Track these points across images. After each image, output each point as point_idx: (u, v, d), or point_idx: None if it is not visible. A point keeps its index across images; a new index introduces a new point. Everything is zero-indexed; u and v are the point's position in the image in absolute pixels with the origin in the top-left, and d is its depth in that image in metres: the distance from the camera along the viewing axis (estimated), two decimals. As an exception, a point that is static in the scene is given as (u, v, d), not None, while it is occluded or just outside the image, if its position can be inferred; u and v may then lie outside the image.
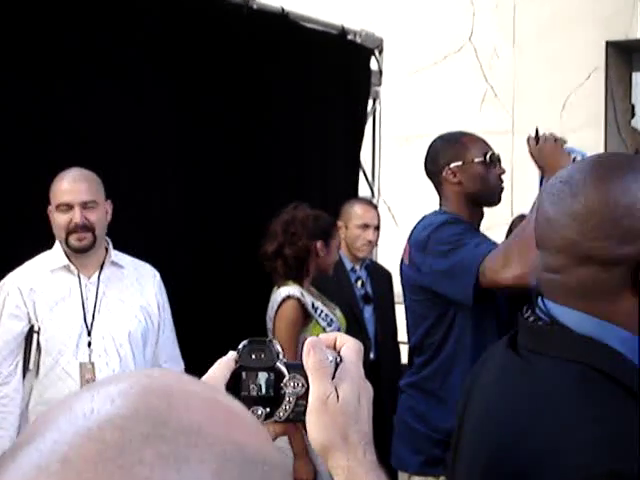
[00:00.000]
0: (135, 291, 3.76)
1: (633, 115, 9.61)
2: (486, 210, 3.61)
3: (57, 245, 3.68)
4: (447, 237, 3.35)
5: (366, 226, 5.20)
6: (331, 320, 4.34)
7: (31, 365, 3.53)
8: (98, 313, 3.61)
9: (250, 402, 1.08)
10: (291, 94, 5.46)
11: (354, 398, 1.10)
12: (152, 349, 3.81)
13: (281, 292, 4.34)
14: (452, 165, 3.48)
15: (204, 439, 0.58)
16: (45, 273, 3.60)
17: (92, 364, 3.58)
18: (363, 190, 6.39)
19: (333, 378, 1.11)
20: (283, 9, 5.45)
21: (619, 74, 9.02)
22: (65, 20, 4.21)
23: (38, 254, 3.71)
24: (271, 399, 1.09)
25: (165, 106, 4.71)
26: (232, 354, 1.10)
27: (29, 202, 3.92)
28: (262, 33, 5.28)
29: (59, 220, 3.58)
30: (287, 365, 1.10)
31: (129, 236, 3.98)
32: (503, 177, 3.54)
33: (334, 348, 1.15)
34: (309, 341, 1.09)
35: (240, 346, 1.10)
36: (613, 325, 1.40)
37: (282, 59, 5.39)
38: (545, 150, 3.27)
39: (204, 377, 1.08)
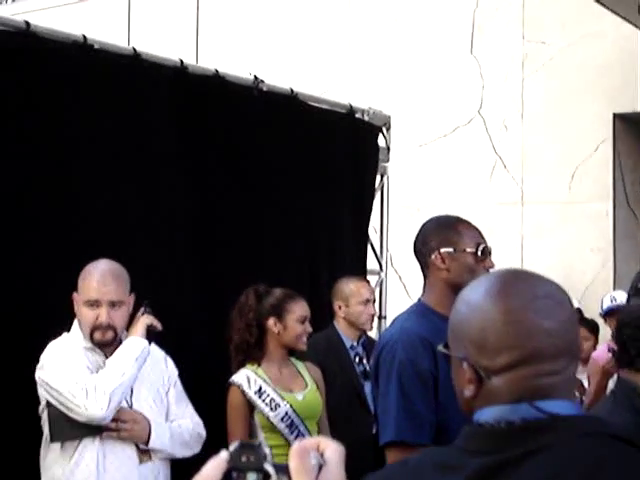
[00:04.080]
0: (151, 370, 3.90)
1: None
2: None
3: (76, 327, 3.79)
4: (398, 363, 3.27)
5: (367, 301, 5.40)
6: (276, 405, 4.38)
7: None
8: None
9: None
10: (300, 172, 5.58)
11: None
12: (168, 416, 3.97)
13: (232, 377, 4.45)
14: (442, 250, 3.33)
15: None
16: (80, 350, 3.72)
17: None
18: (371, 264, 6.48)
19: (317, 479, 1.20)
20: (292, 90, 5.59)
21: (627, 146, 9.13)
22: (74, 95, 4.35)
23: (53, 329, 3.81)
24: None
25: (175, 186, 4.82)
26: (224, 454, 1.20)
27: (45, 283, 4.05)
28: (272, 113, 5.42)
29: (86, 315, 3.71)
30: (275, 466, 1.19)
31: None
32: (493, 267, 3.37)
33: (317, 450, 1.24)
34: (293, 447, 1.18)
35: (231, 448, 1.19)
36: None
37: (291, 138, 5.52)
38: None
39: (198, 475, 1.17)
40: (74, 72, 4.34)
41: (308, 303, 4.76)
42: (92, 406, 3.51)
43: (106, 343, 3.75)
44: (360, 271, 6.14)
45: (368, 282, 5.61)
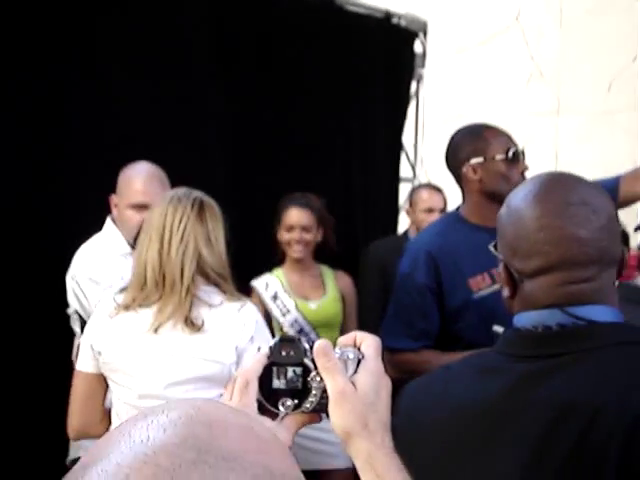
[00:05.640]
0: None
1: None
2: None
3: (112, 230, 3.75)
4: (400, 274, 3.45)
5: (430, 210, 5.32)
6: (287, 311, 4.52)
7: None
8: None
9: (280, 394, 1.21)
10: (334, 78, 5.53)
11: (372, 390, 1.22)
12: None
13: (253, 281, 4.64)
14: (472, 161, 3.29)
15: (240, 464, 0.70)
16: (116, 259, 3.67)
17: None
18: (405, 171, 6.48)
19: (355, 372, 1.23)
20: (329, -6, 5.53)
21: (666, 56, 8.99)
22: (131, 21, 4.37)
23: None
24: (299, 391, 1.21)
25: (211, 95, 4.82)
26: (265, 350, 1.23)
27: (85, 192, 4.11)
28: (308, 18, 5.37)
29: (131, 218, 3.63)
30: (314, 361, 1.22)
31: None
32: (527, 172, 3.35)
33: (354, 345, 1.26)
34: (316, 346, 1.21)
35: (272, 344, 1.22)
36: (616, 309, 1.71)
37: (327, 44, 5.47)
38: None
39: (240, 369, 1.21)
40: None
41: (342, 210, 4.73)
42: None
43: None
44: (393, 178, 6.13)
45: (440, 191, 5.49)
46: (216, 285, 2.89)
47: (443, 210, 5.36)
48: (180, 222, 2.87)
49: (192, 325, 2.81)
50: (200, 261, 2.86)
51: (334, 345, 1.24)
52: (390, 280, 5.11)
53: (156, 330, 2.83)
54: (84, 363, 2.95)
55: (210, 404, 0.78)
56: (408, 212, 5.49)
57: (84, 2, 4.22)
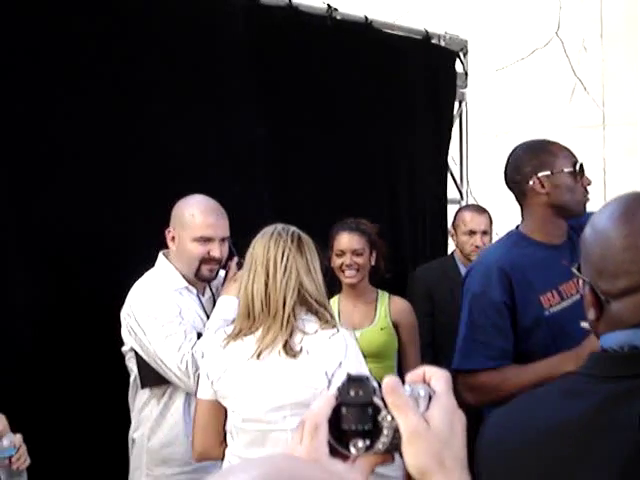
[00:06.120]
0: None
1: None
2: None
3: (166, 266, 3.73)
4: (471, 294, 3.33)
5: (472, 232, 5.24)
6: None
7: None
8: None
9: (351, 435, 1.15)
10: (376, 101, 5.51)
11: (446, 425, 1.16)
12: None
13: None
14: (540, 174, 3.27)
15: None
16: (170, 295, 3.66)
17: None
18: (452, 192, 6.42)
19: (428, 409, 1.17)
20: (366, 17, 5.50)
21: None
22: (145, 31, 4.35)
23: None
24: (370, 432, 1.15)
25: (251, 119, 4.80)
26: (333, 390, 1.18)
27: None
28: (346, 42, 5.35)
29: (196, 251, 3.65)
30: (384, 400, 1.16)
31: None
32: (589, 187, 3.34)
33: (424, 381, 1.21)
34: (384, 384, 1.16)
35: (340, 384, 1.17)
36: None
37: (367, 67, 5.46)
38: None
39: (308, 412, 1.16)
40: (145, 6, 4.33)
41: (390, 234, 4.67)
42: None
43: (212, 278, 3.74)
44: (441, 200, 6.08)
45: (484, 212, 5.37)
46: (315, 312, 3.12)
47: (486, 232, 5.29)
48: (283, 255, 3.11)
49: (290, 351, 3.05)
50: (301, 290, 3.11)
51: (403, 382, 1.18)
52: (437, 304, 5.08)
53: (259, 356, 3.07)
54: (202, 391, 3.23)
55: (289, 462, 0.73)
56: (451, 234, 5.43)
57: (127, 42, 4.24)
